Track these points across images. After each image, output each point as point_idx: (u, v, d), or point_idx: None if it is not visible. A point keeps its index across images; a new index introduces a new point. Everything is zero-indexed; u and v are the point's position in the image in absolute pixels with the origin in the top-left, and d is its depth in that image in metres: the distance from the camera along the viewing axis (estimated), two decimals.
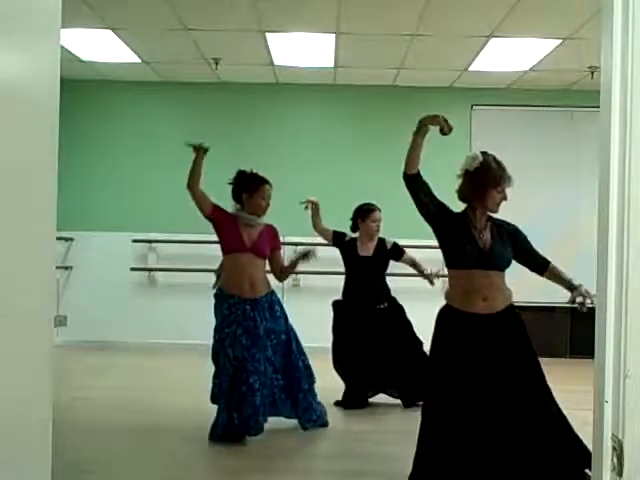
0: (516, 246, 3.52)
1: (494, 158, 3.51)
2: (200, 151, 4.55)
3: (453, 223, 3.48)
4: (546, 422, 3.32)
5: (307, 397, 4.70)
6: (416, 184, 3.45)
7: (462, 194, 3.53)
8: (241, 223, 4.57)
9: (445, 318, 3.50)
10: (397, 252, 5.67)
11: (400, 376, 5.52)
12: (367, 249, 5.63)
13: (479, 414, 3.30)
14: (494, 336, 3.39)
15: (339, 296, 5.73)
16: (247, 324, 4.45)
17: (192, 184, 4.52)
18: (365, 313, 5.55)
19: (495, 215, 3.55)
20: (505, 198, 3.48)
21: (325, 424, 4.85)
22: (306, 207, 5.55)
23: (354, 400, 5.52)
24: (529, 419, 3.31)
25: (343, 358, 5.60)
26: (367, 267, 5.60)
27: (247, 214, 4.58)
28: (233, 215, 4.60)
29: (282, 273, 4.83)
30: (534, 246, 3.61)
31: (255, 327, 4.45)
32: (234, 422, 4.34)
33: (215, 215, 4.54)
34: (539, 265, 3.61)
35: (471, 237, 3.43)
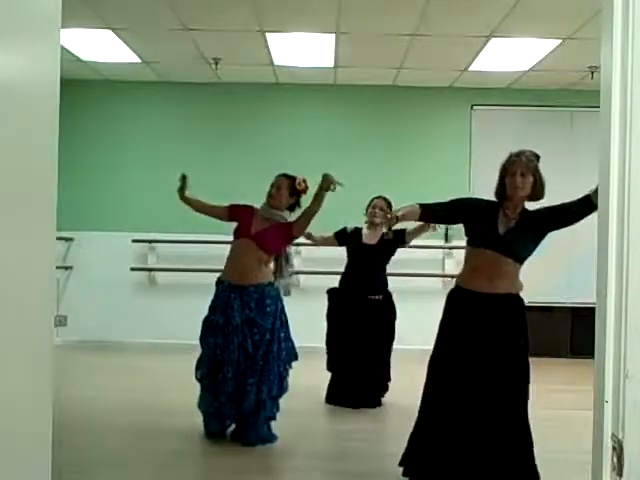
0: (550, 222, 3.53)
1: (520, 150, 3.58)
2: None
3: (479, 211, 3.57)
4: (509, 430, 3.40)
5: (272, 407, 4.50)
6: (429, 218, 3.75)
7: (496, 193, 3.62)
8: (256, 214, 4.64)
9: (452, 298, 3.60)
10: (400, 235, 5.59)
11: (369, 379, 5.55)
12: (372, 238, 5.67)
13: (471, 393, 3.42)
14: (492, 317, 3.47)
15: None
16: (228, 312, 4.48)
17: (196, 209, 4.76)
18: (357, 303, 5.56)
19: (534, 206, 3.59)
20: (518, 182, 3.47)
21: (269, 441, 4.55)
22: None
23: (339, 396, 5.50)
24: (498, 419, 3.39)
25: (333, 346, 5.61)
26: (369, 255, 5.62)
27: (266, 206, 4.67)
28: (250, 207, 4.70)
29: (310, 208, 4.57)
30: (567, 201, 3.55)
31: (232, 316, 4.46)
32: (211, 410, 4.47)
33: (233, 215, 4.68)
34: (585, 206, 3.42)
35: (494, 221, 3.51)
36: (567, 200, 3.58)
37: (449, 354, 3.51)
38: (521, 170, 3.48)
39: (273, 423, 4.58)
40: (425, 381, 3.62)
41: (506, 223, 3.51)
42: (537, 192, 3.54)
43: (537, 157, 3.57)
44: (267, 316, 4.49)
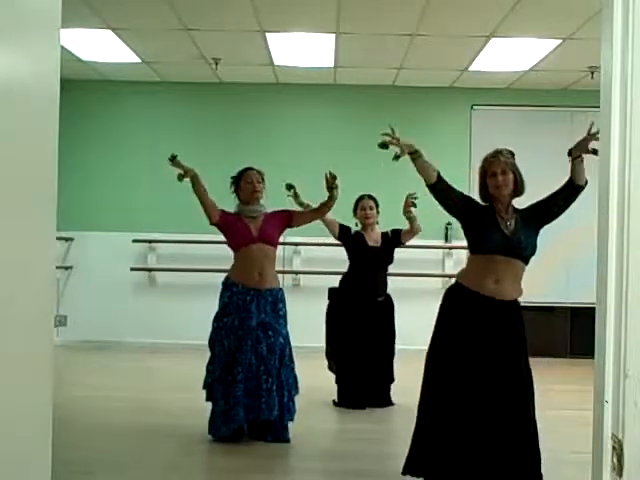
0: (541, 216, 3.53)
1: (496, 150, 3.57)
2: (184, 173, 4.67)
3: (479, 213, 3.54)
4: (517, 433, 3.37)
5: (292, 408, 4.53)
6: (440, 192, 3.52)
7: (480, 196, 3.61)
8: (244, 217, 4.63)
9: (452, 296, 3.55)
10: (396, 234, 5.65)
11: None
12: (375, 241, 5.64)
13: (471, 395, 3.38)
14: (496, 324, 3.44)
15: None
16: (243, 315, 4.46)
17: (199, 194, 4.62)
18: (364, 305, 5.53)
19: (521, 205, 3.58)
20: (499, 181, 3.47)
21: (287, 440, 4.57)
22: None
23: (350, 398, 5.49)
24: (506, 420, 3.36)
25: (337, 348, 5.57)
26: (376, 258, 5.59)
27: (245, 206, 4.66)
28: (236, 214, 4.68)
29: (323, 206, 4.78)
30: (551, 193, 3.57)
31: (248, 318, 4.44)
32: (221, 410, 4.38)
33: (221, 221, 4.61)
34: (570, 191, 3.51)
35: (496, 224, 3.49)
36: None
37: (449, 355, 3.45)
38: (501, 169, 3.49)
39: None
40: (423, 382, 3.56)
41: (506, 225, 3.50)
42: (519, 188, 3.55)
43: (512, 154, 3.57)
44: (280, 320, 4.56)
